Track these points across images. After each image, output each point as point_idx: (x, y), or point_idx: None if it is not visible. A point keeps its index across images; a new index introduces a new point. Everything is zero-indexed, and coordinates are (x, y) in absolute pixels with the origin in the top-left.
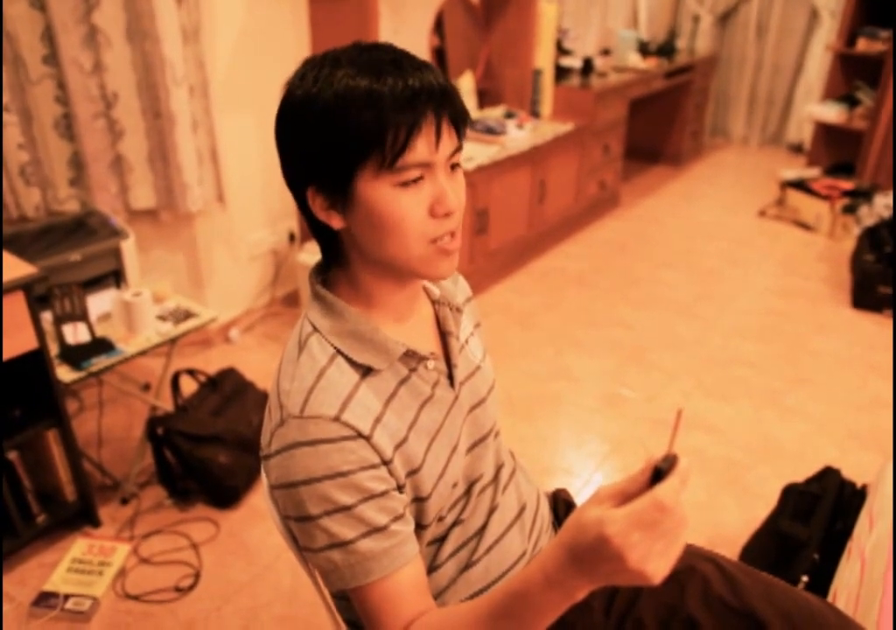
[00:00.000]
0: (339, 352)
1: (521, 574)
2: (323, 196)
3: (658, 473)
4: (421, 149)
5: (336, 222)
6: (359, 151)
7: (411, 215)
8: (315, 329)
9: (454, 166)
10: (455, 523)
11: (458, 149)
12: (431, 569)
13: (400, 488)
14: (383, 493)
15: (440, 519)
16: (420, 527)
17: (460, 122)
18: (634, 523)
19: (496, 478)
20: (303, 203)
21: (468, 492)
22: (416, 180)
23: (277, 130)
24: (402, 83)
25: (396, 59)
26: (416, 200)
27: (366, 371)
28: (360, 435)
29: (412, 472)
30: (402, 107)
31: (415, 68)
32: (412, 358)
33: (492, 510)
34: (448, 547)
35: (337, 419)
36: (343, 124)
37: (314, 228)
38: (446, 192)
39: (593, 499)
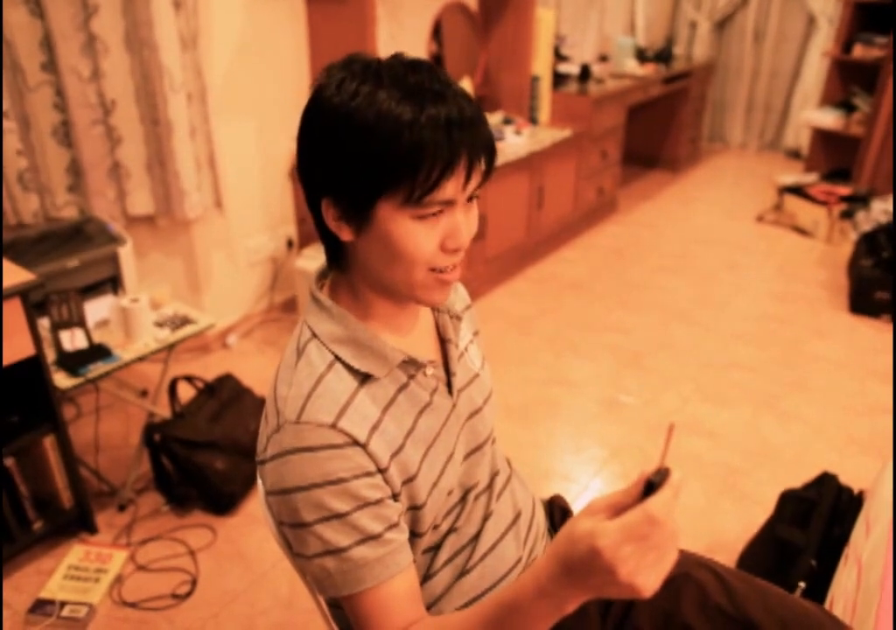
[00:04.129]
0: (337, 358)
1: (514, 584)
2: (338, 209)
3: (650, 486)
4: (449, 189)
5: (345, 235)
6: (390, 181)
7: (423, 248)
8: (314, 335)
9: (471, 197)
10: (450, 531)
11: (482, 185)
12: (426, 577)
13: (395, 496)
14: (378, 502)
15: (435, 527)
16: (415, 535)
17: (490, 160)
18: (626, 536)
19: (491, 485)
20: (316, 207)
21: (463, 499)
22: (434, 214)
23: (304, 133)
24: (444, 116)
25: (440, 89)
26: (431, 234)
27: (364, 378)
28: (356, 442)
29: (408, 481)
30: (440, 144)
31: (454, 98)
32: (411, 365)
33: (486, 517)
34: (443, 555)
35: (334, 426)
36: (380, 150)
37: (322, 232)
38: (460, 229)
39: (586, 511)
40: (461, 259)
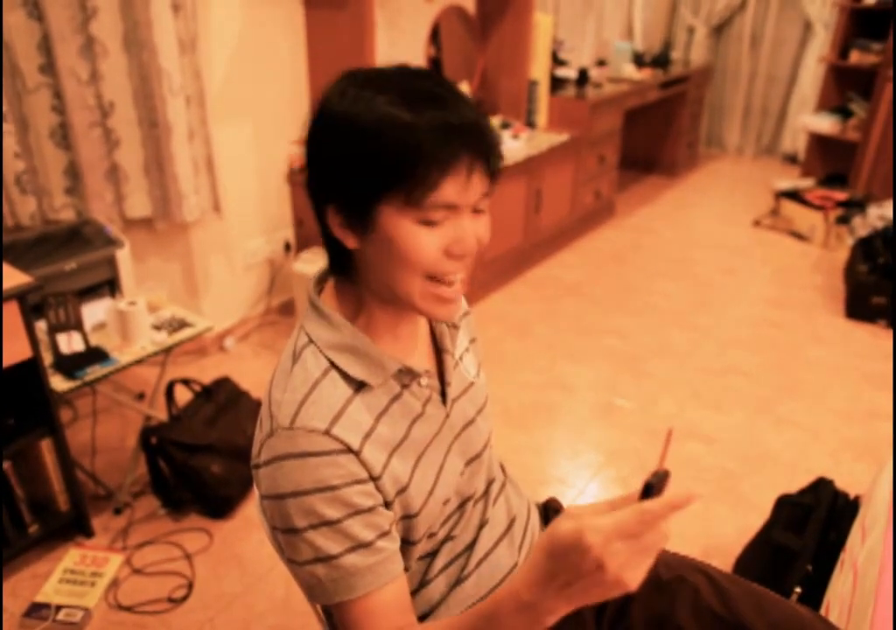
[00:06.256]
0: (333, 365)
1: (494, 596)
2: (342, 216)
3: (648, 489)
4: (449, 190)
5: (350, 242)
6: (387, 182)
7: (427, 253)
8: (311, 341)
9: (478, 210)
10: (446, 538)
11: (487, 194)
12: (423, 583)
13: (387, 505)
14: (370, 509)
15: (432, 535)
16: (409, 543)
17: (494, 166)
18: (617, 533)
19: (486, 492)
20: (321, 215)
21: (461, 508)
22: (440, 221)
23: (310, 141)
24: (442, 119)
25: (441, 93)
26: (433, 237)
27: (359, 386)
28: (349, 449)
29: (401, 491)
30: (437, 144)
31: (456, 103)
32: (406, 374)
33: (482, 525)
34: (439, 562)
35: (327, 433)
36: (377, 151)
37: (327, 241)
38: (467, 233)
39: (565, 514)
40: (464, 270)
